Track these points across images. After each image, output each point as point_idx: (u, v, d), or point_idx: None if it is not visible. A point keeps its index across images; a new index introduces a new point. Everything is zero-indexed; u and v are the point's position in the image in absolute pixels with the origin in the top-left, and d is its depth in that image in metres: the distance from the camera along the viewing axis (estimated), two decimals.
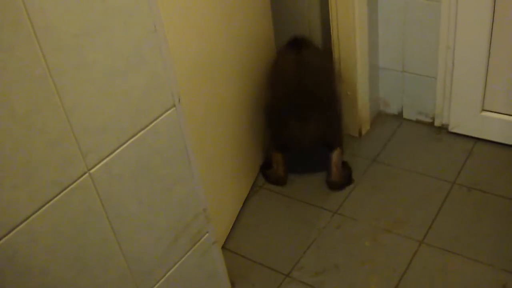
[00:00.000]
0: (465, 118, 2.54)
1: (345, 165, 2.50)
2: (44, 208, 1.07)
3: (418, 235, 2.15)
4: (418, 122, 2.71)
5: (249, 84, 2.36)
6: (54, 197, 1.08)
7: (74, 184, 1.11)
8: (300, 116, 2.32)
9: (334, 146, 2.45)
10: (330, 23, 2.43)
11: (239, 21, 2.18)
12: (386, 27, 2.51)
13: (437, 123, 2.64)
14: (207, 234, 1.51)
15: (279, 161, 2.50)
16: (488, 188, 2.31)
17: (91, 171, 1.14)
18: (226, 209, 2.21)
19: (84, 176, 1.13)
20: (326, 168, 2.48)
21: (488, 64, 2.35)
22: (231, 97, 2.20)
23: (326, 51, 2.59)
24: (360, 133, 2.66)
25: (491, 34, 2.27)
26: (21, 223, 1.04)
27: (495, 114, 2.47)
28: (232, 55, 2.16)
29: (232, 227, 2.30)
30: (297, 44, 2.37)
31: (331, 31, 2.45)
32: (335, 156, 2.44)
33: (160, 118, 1.25)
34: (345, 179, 2.47)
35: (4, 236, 1.02)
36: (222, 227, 2.17)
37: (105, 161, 1.16)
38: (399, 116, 2.75)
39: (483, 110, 2.48)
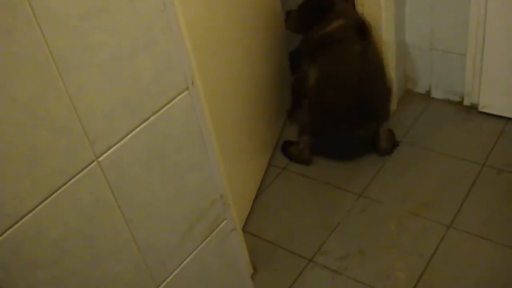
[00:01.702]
0: (495, 97, 2.44)
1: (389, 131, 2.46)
2: (50, 198, 1.02)
3: (446, 219, 2.08)
4: (446, 101, 2.62)
5: (260, 58, 2.30)
6: (61, 186, 1.03)
7: (82, 173, 1.06)
8: (359, 121, 2.26)
9: (384, 121, 2.39)
10: None
11: None
12: (413, 2, 2.42)
13: (466, 102, 2.55)
14: (225, 221, 1.46)
15: (307, 143, 2.42)
16: None
17: (100, 158, 1.09)
18: (243, 190, 2.16)
19: (92, 164, 1.08)
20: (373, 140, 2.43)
21: None
22: (241, 71, 2.14)
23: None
24: None
25: None
26: (26, 214, 1.00)
27: None
28: (240, 30, 2.10)
29: (254, 209, 2.25)
30: (361, 32, 2.19)
31: (355, 6, 2.36)
32: (384, 127, 2.39)
33: (173, 101, 1.19)
34: (393, 143, 2.44)
35: (9, 228, 0.97)
36: (241, 209, 2.12)
37: (114, 148, 1.11)
38: (427, 95, 2.66)
39: None
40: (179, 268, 1.37)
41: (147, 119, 1.15)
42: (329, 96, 2.24)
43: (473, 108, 2.54)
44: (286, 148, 2.51)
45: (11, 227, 0.98)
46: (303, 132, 2.41)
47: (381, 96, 2.30)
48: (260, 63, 2.32)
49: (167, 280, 1.35)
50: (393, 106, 2.61)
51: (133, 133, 1.13)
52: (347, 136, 2.30)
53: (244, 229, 2.12)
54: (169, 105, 1.18)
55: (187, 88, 1.21)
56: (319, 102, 2.28)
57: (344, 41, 2.21)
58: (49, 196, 1.02)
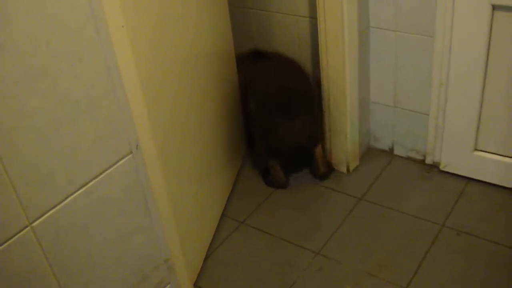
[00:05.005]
0: (457, 157, 2.44)
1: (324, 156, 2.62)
2: None
3: (403, 281, 2.05)
4: (408, 159, 2.62)
5: (213, 107, 2.29)
6: None
7: (13, 239, 1.02)
8: (286, 114, 2.37)
9: (317, 143, 2.53)
10: (320, 54, 2.35)
11: (199, 38, 2.12)
12: (377, 61, 2.43)
13: (428, 161, 2.55)
14: (168, 286, 1.42)
15: (276, 167, 2.55)
16: (478, 232, 2.21)
17: (33, 224, 1.05)
18: (194, 243, 2.10)
19: (25, 230, 1.04)
20: (311, 166, 2.61)
21: (482, 102, 2.26)
22: (194, 121, 2.11)
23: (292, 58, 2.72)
24: (348, 169, 2.57)
25: (486, 71, 2.18)
26: None
27: (488, 154, 2.37)
28: (192, 75, 2.08)
29: (209, 264, 2.20)
30: (261, 55, 2.64)
31: (320, 62, 2.37)
32: (319, 150, 2.55)
33: (115, 166, 1.16)
34: (329, 168, 2.60)
35: None
36: (192, 264, 2.06)
37: (49, 213, 1.07)
38: (390, 152, 2.66)
39: (476, 149, 2.38)
40: None
41: (86, 184, 1.12)
42: (260, 106, 2.43)
43: (435, 166, 2.54)
44: (264, 176, 2.64)
45: None
46: (265, 157, 2.58)
47: (307, 96, 2.47)
48: (213, 114, 2.30)
49: None
50: (356, 161, 2.60)
51: (70, 198, 1.10)
52: (287, 129, 2.39)
53: (195, 285, 2.07)
54: (110, 169, 1.15)
55: (131, 152, 1.18)
56: (258, 116, 2.47)
57: (252, 67, 2.63)
58: None
